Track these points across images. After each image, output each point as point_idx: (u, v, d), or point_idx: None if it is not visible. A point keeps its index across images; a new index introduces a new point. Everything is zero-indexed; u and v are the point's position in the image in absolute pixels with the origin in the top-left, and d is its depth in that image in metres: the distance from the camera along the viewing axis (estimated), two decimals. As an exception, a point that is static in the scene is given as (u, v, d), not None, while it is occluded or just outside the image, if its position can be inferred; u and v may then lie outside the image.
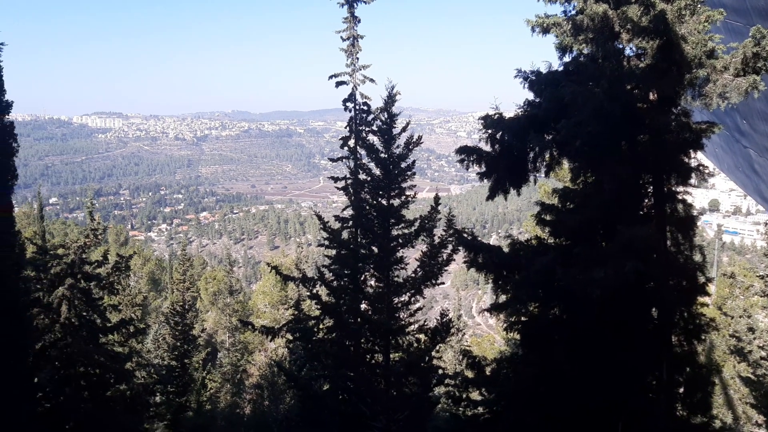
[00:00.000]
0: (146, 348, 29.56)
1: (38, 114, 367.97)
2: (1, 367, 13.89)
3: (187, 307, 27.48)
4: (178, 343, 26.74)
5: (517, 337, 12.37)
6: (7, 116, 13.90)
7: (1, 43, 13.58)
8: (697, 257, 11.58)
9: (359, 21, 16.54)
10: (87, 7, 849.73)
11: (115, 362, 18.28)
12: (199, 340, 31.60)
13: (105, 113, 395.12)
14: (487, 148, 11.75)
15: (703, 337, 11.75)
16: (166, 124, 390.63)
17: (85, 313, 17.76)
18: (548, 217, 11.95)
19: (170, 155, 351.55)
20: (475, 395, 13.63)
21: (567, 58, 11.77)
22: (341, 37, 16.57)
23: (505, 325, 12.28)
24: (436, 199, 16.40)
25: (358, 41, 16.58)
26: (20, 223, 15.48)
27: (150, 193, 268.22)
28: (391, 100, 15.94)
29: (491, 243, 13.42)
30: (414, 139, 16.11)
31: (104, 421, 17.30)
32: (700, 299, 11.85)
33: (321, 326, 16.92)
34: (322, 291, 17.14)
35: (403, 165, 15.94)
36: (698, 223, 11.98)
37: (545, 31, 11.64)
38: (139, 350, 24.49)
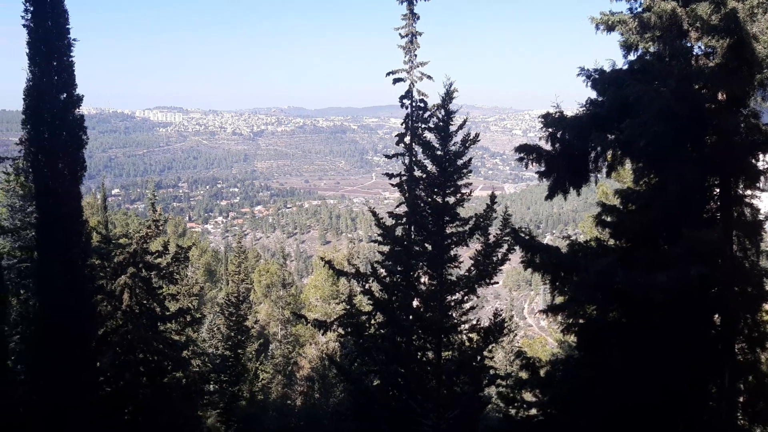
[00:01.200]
0: (201, 337, 30.32)
1: (103, 108, 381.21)
2: (69, 351, 14.49)
3: (241, 298, 28.08)
4: (232, 334, 27.36)
5: (573, 339, 12.20)
6: (77, 110, 14.45)
7: (74, 39, 14.14)
8: (764, 263, 11.17)
9: (418, 18, 16.53)
10: (151, 4, 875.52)
11: (172, 350, 18.85)
12: (252, 332, 32.24)
13: (166, 108, 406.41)
14: (547, 146, 11.60)
15: (767, 346, 11.33)
16: (224, 119, 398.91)
17: (145, 301, 18.37)
18: (609, 219, 11.72)
19: (227, 150, 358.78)
20: (528, 396, 13.49)
21: (632, 57, 11.52)
22: (400, 34, 16.59)
23: (561, 326, 12.11)
24: (492, 197, 16.24)
25: (416, 38, 16.57)
26: (85, 213, 16.07)
27: (207, 187, 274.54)
28: (448, 97, 15.87)
29: (547, 243, 13.23)
30: (471, 137, 15.99)
31: (161, 407, 17.87)
32: (766, 306, 11.44)
33: (373, 322, 17.01)
34: (374, 287, 17.21)
35: (459, 162, 15.85)
36: (765, 228, 11.54)
37: (610, 28, 11.41)
38: (194, 339, 25.11)
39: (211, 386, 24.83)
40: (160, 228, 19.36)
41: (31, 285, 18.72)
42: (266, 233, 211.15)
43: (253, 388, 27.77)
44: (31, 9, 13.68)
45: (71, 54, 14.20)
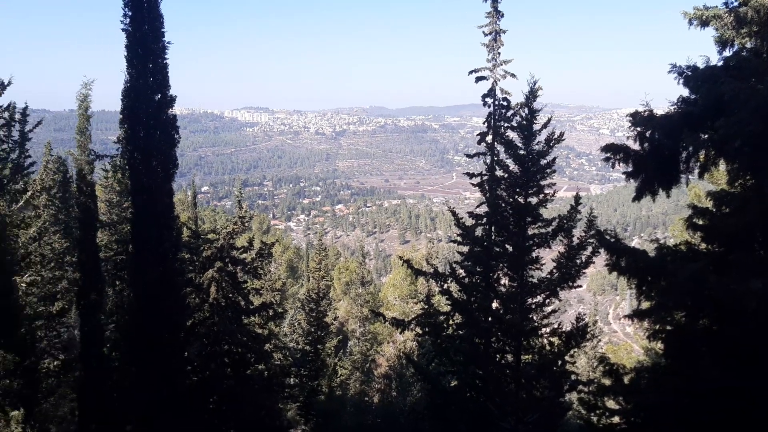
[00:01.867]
0: (283, 331, 31.08)
1: (194, 108, 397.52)
2: (160, 340, 15.20)
3: (321, 295, 28.57)
4: (312, 329, 27.91)
5: (660, 346, 11.70)
6: (170, 110, 15.11)
7: (168, 42, 14.80)
8: None
9: (502, 15, 16.31)
10: (242, 9, 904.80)
11: (255, 343, 19.41)
12: (332, 328, 32.77)
13: (253, 108, 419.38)
14: (635, 146, 11.15)
15: None
16: (307, 119, 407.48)
17: (230, 295, 18.99)
18: (700, 222, 11.16)
19: (310, 149, 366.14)
20: (611, 404, 13.06)
21: (727, 53, 10.90)
22: (483, 32, 16.43)
23: (647, 333, 11.64)
24: (577, 198, 15.79)
25: (500, 36, 16.36)
26: (176, 209, 16.86)
27: (291, 185, 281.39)
28: (532, 95, 15.56)
29: (634, 246, 12.73)
30: (555, 136, 15.61)
31: (244, 398, 18.44)
32: None
33: (451, 322, 16.92)
34: (453, 287, 17.12)
35: (543, 162, 15.51)
36: None
37: (704, 23, 10.86)
38: (276, 333, 25.75)
39: (292, 380, 25.40)
40: (246, 224, 19.96)
41: (126, 276, 19.77)
42: (346, 231, 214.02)
43: (332, 383, 28.20)
44: (130, 14, 14.41)
45: (166, 56, 14.87)
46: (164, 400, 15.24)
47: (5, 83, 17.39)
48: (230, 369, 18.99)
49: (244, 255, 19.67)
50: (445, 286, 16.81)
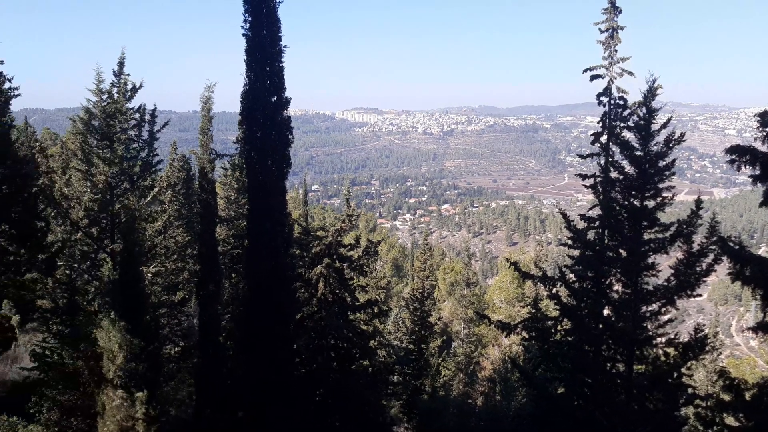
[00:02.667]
0: (387, 329, 31.38)
1: (307, 109, 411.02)
2: (271, 331, 15.83)
3: (425, 294, 28.63)
4: (416, 328, 28.02)
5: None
6: (285, 111, 15.70)
7: (285, 46, 15.39)
8: None
9: (620, 11, 15.66)
10: (353, 14, 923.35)
11: (360, 339, 19.76)
12: (436, 328, 32.74)
13: (363, 109, 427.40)
14: (764, 147, 10.39)
15: None
16: (416, 119, 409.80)
17: (337, 291, 19.44)
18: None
19: (418, 149, 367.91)
20: (731, 421, 12.23)
21: None
22: (599, 29, 15.85)
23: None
24: (698, 202, 14.85)
25: (617, 33, 15.71)
26: (288, 206, 17.53)
27: (397, 185, 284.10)
28: (651, 94, 14.83)
29: (760, 255, 11.84)
30: (675, 136, 14.79)
31: (349, 392, 18.81)
32: None
33: (559, 327, 16.46)
34: (562, 292, 16.64)
35: (661, 164, 14.75)
36: None
37: None
38: (381, 330, 26.08)
39: (395, 377, 25.63)
40: (353, 223, 20.36)
41: (241, 270, 20.69)
42: (452, 232, 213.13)
43: (435, 383, 28.21)
44: (250, 20, 15.10)
45: (282, 60, 15.48)
46: (274, 389, 15.85)
47: (137, 87, 18.73)
48: (336, 363, 19.43)
49: (351, 252, 20.07)
50: (554, 290, 16.38)
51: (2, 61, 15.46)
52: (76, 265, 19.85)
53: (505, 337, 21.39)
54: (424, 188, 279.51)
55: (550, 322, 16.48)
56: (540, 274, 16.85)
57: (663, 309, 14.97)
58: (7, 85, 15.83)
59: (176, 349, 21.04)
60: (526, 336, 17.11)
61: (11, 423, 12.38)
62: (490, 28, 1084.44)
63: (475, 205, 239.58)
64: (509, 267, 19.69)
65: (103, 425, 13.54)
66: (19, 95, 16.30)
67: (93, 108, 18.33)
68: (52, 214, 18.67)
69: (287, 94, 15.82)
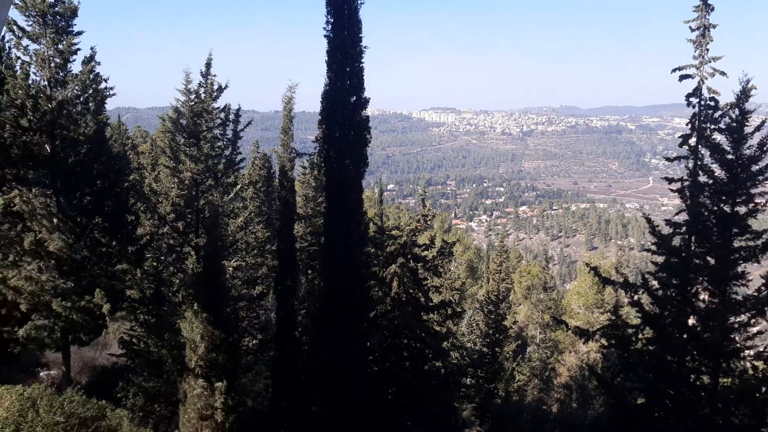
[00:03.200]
0: (461, 331, 31.22)
1: (384, 109, 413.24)
2: (345, 328, 16.05)
3: (501, 297, 28.29)
4: (491, 331, 27.72)
5: None
6: (364, 111, 15.87)
7: (365, 47, 15.55)
8: None
9: (712, 9, 14.94)
10: (432, 15, 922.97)
11: (434, 339, 19.72)
12: (510, 332, 32.29)
13: (440, 108, 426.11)
14: None
15: None
16: (494, 119, 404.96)
17: (411, 291, 19.48)
18: None
19: (495, 149, 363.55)
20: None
21: None
22: (690, 27, 15.17)
23: None
24: (795, 209, 14.04)
25: (709, 31, 14.99)
26: (364, 205, 17.77)
27: (474, 185, 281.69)
28: (744, 95, 14.09)
29: None
30: (771, 140, 13.98)
31: (422, 392, 18.83)
32: None
33: (640, 336, 15.89)
34: (644, 299, 16.07)
35: (754, 168, 13.99)
36: None
37: None
38: (454, 332, 25.95)
39: (468, 380, 25.46)
40: (428, 223, 20.35)
41: (317, 266, 21.08)
42: (529, 234, 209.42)
43: (509, 387, 27.82)
44: (332, 21, 15.36)
45: (362, 60, 15.65)
46: (348, 385, 16.05)
47: (222, 87, 19.35)
48: (409, 363, 19.48)
49: (426, 252, 20.06)
50: (636, 297, 15.84)
51: (99, 62, 16.32)
52: (162, 258, 20.75)
53: (583, 343, 20.81)
54: (501, 189, 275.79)
55: (630, 330, 15.93)
56: (621, 280, 16.33)
57: (752, 320, 14.23)
58: (103, 85, 16.67)
59: (254, 342, 21.66)
60: (605, 343, 16.62)
61: (100, 406, 13.06)
62: (574, 26, 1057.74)
63: (554, 208, 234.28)
64: (589, 272, 19.16)
65: (185, 412, 14.10)
66: (113, 95, 17.13)
67: (181, 107, 19.09)
68: (142, 208, 19.57)
69: (366, 94, 15.99)
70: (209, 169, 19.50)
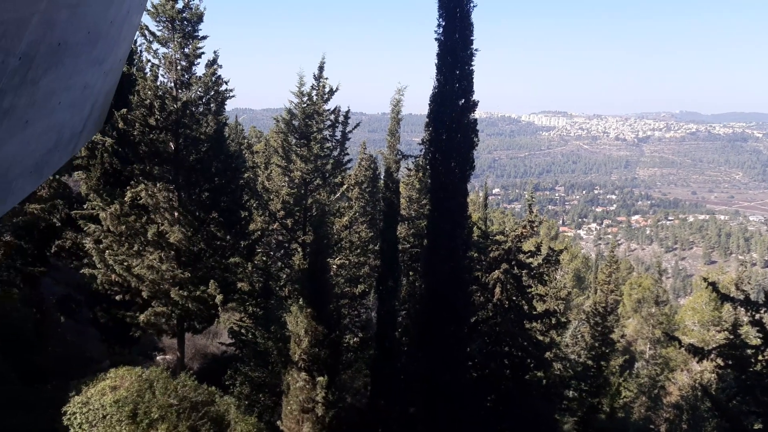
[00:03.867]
0: (565, 342, 30.33)
1: (492, 112, 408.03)
2: (446, 331, 16.01)
3: (608, 309, 27.21)
4: (596, 344, 26.71)
5: None
6: (472, 114, 15.77)
7: (475, 50, 15.44)
8: None
9: None
10: (545, 19, 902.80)
11: (536, 349, 19.29)
12: (618, 346, 31.02)
13: (551, 112, 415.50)
14: None
15: None
16: (608, 124, 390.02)
17: (514, 298, 19.16)
18: None
19: (608, 155, 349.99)
20: None
21: None
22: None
23: None
24: None
25: None
26: (469, 209, 17.65)
27: (583, 192, 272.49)
28: None
29: None
30: None
31: (521, 402, 18.46)
32: None
33: (760, 357, 14.78)
34: (766, 318, 14.93)
35: None
36: None
37: None
38: (558, 342, 25.26)
39: (570, 392, 24.68)
40: (534, 229, 19.92)
41: (419, 268, 21.16)
42: (641, 245, 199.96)
43: (614, 403, 26.70)
44: (443, 24, 15.38)
45: (472, 63, 15.56)
46: (447, 389, 16.01)
47: (333, 90, 19.88)
48: (509, 371, 19.16)
49: (531, 259, 19.66)
50: (757, 316, 14.74)
51: (221, 65, 17.20)
52: (271, 253, 21.60)
53: (697, 362, 19.63)
54: (613, 197, 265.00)
55: (750, 351, 14.85)
56: (742, 297, 15.25)
57: None
58: (223, 87, 17.56)
59: (355, 340, 22.04)
60: (721, 363, 15.59)
61: (210, 392, 13.76)
62: (696, 24, 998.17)
63: (669, 218, 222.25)
64: (706, 287, 18.03)
65: (287, 404, 14.58)
66: (233, 96, 18.00)
67: (294, 109, 19.77)
68: (254, 205, 20.45)
69: (474, 96, 15.88)
70: (318, 169, 20.07)
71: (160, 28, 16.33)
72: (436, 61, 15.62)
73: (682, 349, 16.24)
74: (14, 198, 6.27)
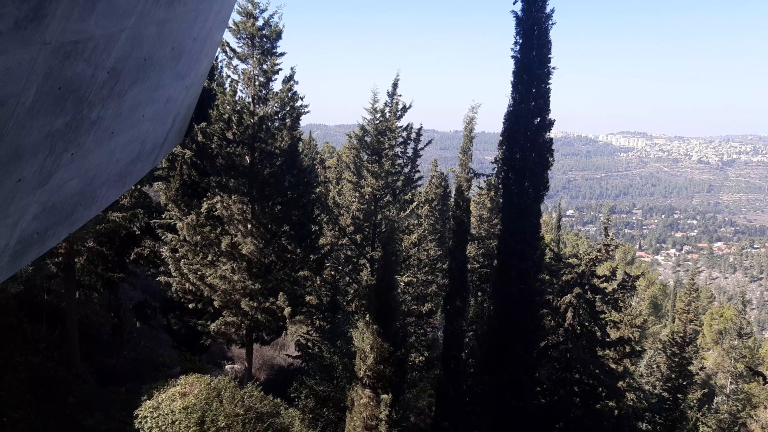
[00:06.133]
0: (639, 371, 29.09)
1: (568, 131, 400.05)
2: (514, 354, 15.63)
3: (687, 339, 25.96)
4: (673, 375, 25.50)
5: None
6: (547, 133, 15.47)
7: (553, 68, 15.16)
8: None
9: None
10: (624, 41, 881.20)
11: (608, 377, 18.56)
12: (696, 378, 29.50)
13: (629, 133, 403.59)
14: None
15: None
16: (690, 146, 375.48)
17: (587, 323, 18.53)
18: None
19: (690, 178, 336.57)
20: None
21: None
22: None
23: None
24: None
25: None
26: (541, 230, 17.27)
27: (662, 216, 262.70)
28: None
29: None
30: None
31: (591, 431, 17.76)
32: None
33: None
34: None
35: None
36: None
37: None
38: (632, 372, 24.25)
39: (644, 425, 23.61)
40: (610, 253, 19.27)
41: (488, 289, 20.82)
42: (724, 273, 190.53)
43: (691, 438, 25.34)
44: (520, 41, 15.21)
45: (549, 82, 15.30)
46: (514, 413, 15.60)
47: (407, 107, 19.93)
48: (579, 399, 18.51)
49: (605, 284, 19.00)
50: None
51: (297, 81, 17.57)
52: (340, 267, 21.73)
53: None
54: (694, 222, 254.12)
55: None
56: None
57: None
58: (299, 102, 17.91)
59: (420, 359, 21.85)
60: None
61: (275, 404, 13.88)
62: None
63: (755, 246, 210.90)
64: (796, 321, 16.94)
65: (351, 420, 14.54)
66: (308, 112, 18.33)
67: (367, 125, 19.94)
68: (325, 219, 20.67)
69: (550, 115, 15.58)
70: (388, 186, 20.12)
71: (240, 44, 16.83)
72: (511, 78, 15.44)
73: (767, 385, 15.27)
74: (99, 205, 6.52)
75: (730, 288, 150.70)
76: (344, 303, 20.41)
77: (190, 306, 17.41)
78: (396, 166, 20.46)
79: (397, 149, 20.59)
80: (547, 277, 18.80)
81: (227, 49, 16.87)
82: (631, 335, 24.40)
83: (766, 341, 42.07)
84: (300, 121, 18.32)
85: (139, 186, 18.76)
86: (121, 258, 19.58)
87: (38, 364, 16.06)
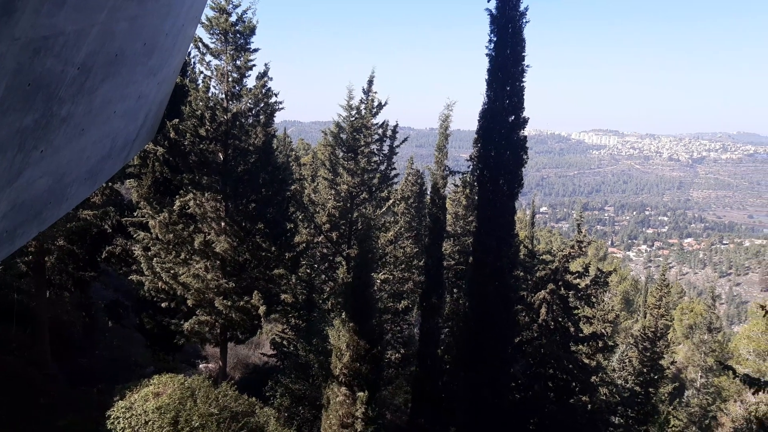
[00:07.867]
0: (611, 366, 29.46)
1: (542, 129, 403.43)
2: (489, 350, 15.72)
3: (658, 334, 26.37)
4: (645, 370, 25.89)
5: None
6: (521, 131, 15.57)
7: (527, 66, 15.26)
8: None
9: None
10: (595, 39, 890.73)
11: (581, 372, 18.77)
12: (667, 372, 29.98)
13: (602, 131, 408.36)
14: None
15: None
16: (660, 144, 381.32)
17: (560, 319, 18.71)
18: None
19: (660, 176, 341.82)
20: None
21: None
22: None
23: None
24: None
25: None
26: (516, 227, 17.43)
27: (634, 213, 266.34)
28: None
29: None
30: None
31: (565, 425, 17.95)
32: None
33: (824, 394, 14.06)
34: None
35: None
36: None
37: None
38: (604, 367, 24.55)
39: (617, 419, 23.91)
40: (583, 249, 19.47)
41: (463, 286, 20.91)
42: (694, 269, 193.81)
43: (662, 432, 25.77)
44: (495, 40, 15.27)
45: (523, 80, 15.40)
46: (489, 409, 15.69)
47: (382, 104, 19.91)
48: (553, 394, 18.69)
49: (578, 280, 19.20)
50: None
51: (271, 78, 17.42)
52: (315, 265, 21.64)
53: (752, 393, 18.73)
54: (665, 218, 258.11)
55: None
56: (803, 328, 14.55)
57: None
58: (273, 99, 17.76)
59: (396, 356, 21.88)
60: (780, 397, 14.88)
61: (250, 403, 13.78)
62: (753, 47, 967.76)
63: (724, 242, 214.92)
64: (763, 315, 17.27)
65: (327, 418, 14.50)
66: (282, 108, 18.17)
67: (342, 122, 19.88)
68: (300, 217, 20.56)
69: (525, 113, 15.69)
70: (364, 183, 20.09)
71: (214, 40, 16.64)
72: (486, 76, 15.50)
73: (737, 379, 15.52)
74: (69, 203, 6.40)
75: (700, 283, 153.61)
76: (320, 301, 20.33)
77: (163, 305, 17.18)
78: (372, 164, 20.42)
79: (373, 146, 20.56)
80: (522, 274, 18.93)
81: (200, 44, 16.67)
82: (603, 330, 24.68)
83: (735, 335, 42.82)
84: (274, 118, 18.15)
85: (110, 183, 18.46)
86: (92, 256, 19.27)
87: (9, 364, 15.75)
